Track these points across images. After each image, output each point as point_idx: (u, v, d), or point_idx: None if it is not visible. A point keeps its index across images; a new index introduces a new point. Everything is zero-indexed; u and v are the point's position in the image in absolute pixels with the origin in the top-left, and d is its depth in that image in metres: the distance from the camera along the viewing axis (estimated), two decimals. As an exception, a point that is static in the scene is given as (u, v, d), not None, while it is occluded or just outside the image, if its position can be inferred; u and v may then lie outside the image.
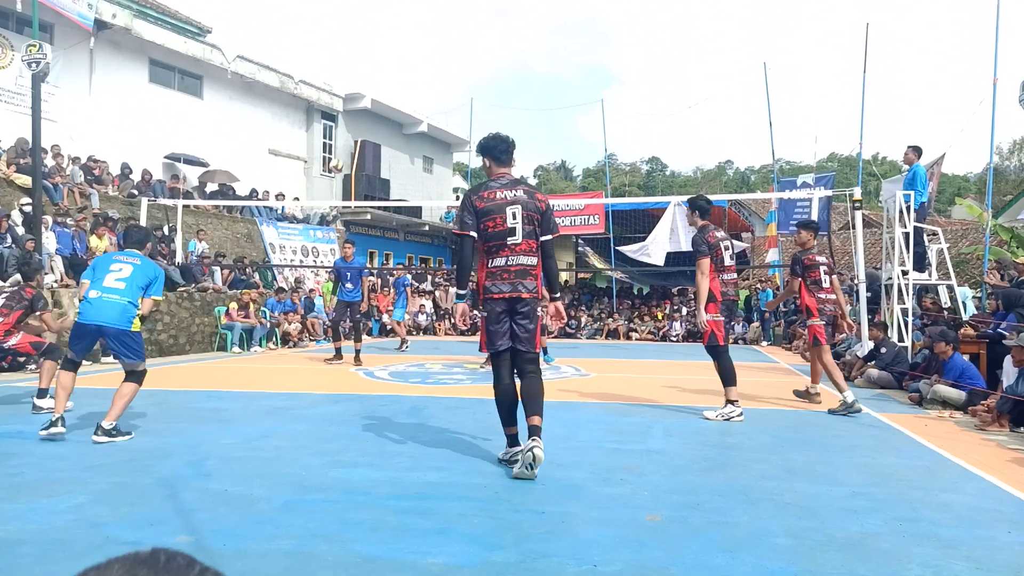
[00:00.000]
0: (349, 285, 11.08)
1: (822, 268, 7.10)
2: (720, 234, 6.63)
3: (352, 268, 11.20)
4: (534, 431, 4.05)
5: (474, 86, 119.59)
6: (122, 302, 5.09)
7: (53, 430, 4.91)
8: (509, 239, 4.18)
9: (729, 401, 6.21)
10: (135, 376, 5.18)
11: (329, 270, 18.83)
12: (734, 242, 6.94)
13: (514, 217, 4.18)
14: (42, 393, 6.26)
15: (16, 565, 2.71)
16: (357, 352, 11.06)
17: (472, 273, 4.34)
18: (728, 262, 6.54)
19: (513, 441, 4.32)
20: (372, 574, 2.67)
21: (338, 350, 11.24)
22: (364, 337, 12.32)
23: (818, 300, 7.00)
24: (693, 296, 21.93)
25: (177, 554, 0.68)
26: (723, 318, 6.32)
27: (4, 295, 6.76)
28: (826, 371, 7.02)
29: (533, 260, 4.26)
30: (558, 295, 4.54)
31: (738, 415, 6.16)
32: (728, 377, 6.23)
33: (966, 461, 4.72)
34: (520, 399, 4.30)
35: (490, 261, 4.23)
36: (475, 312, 4.81)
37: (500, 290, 4.18)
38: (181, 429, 5.46)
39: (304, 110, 23.00)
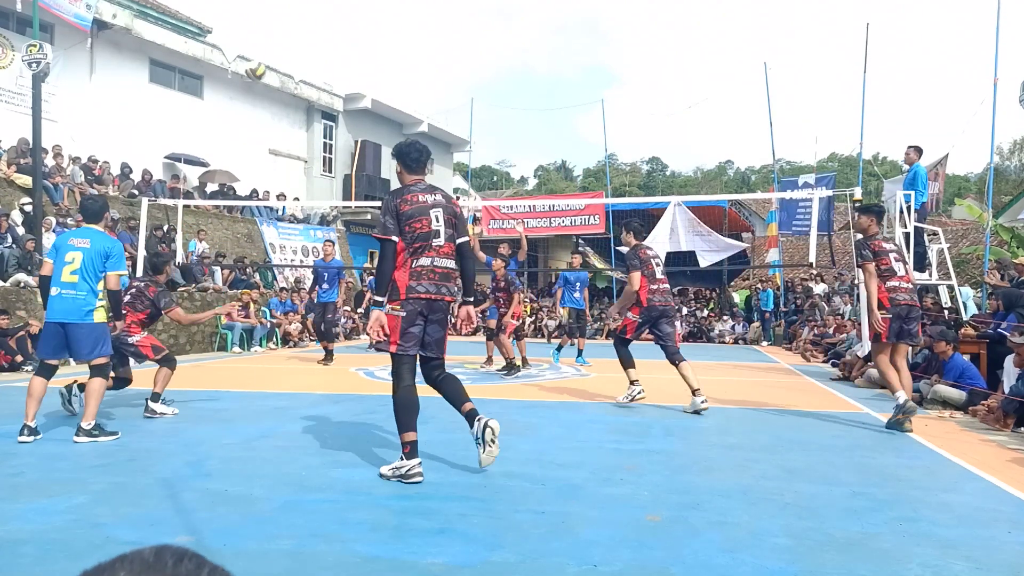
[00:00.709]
0: (325, 285, 11.16)
1: (892, 255, 6.23)
2: (651, 252, 7.22)
3: (330, 268, 11.22)
4: (473, 413, 4.19)
5: (475, 86, 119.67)
6: (79, 296, 4.95)
7: (23, 438, 4.83)
8: (434, 241, 4.19)
9: (632, 383, 6.99)
10: (98, 370, 5.05)
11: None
12: (661, 258, 7.41)
13: (437, 220, 4.21)
14: (155, 397, 6.13)
15: (16, 565, 2.71)
16: (328, 352, 11.14)
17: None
18: (659, 275, 7.07)
19: (413, 451, 4.01)
20: (372, 574, 2.67)
21: (328, 351, 11.23)
22: (365, 337, 12.29)
23: (890, 288, 6.08)
24: (694, 295, 21.88)
25: (184, 555, 0.65)
26: (640, 320, 7.03)
27: (132, 291, 6.44)
28: (892, 375, 6.02)
29: (452, 263, 4.31)
30: (470, 299, 4.54)
31: (639, 393, 6.95)
32: (627, 363, 7.11)
33: (966, 461, 4.71)
34: (445, 398, 4.38)
35: (414, 261, 4.16)
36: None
37: (426, 290, 4.14)
38: (181, 429, 5.46)
39: (304, 110, 23.00)
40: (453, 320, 4.61)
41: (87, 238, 5.07)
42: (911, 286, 6.18)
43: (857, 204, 10.66)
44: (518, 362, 9.98)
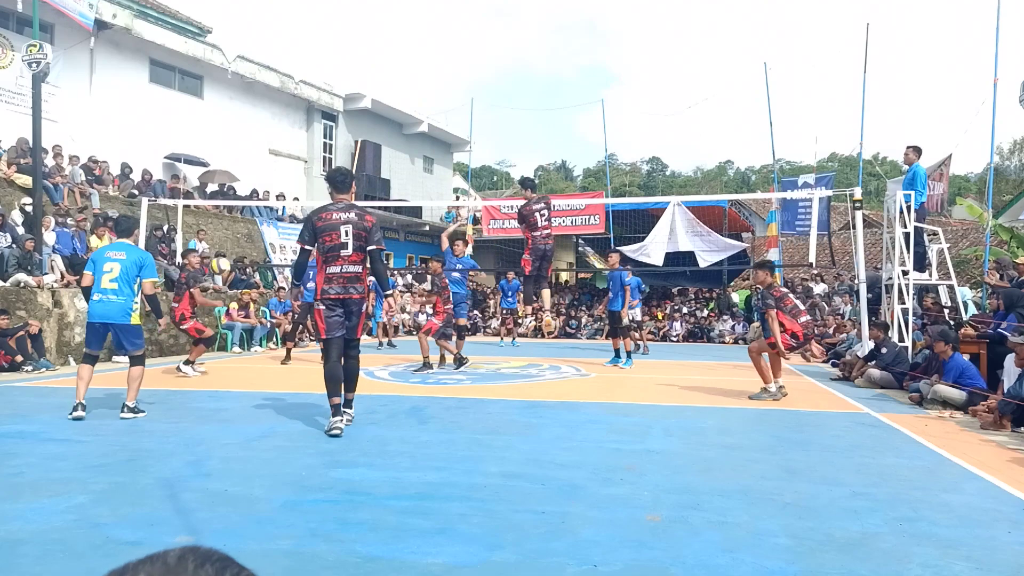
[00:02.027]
0: (311, 284, 11.08)
1: (790, 295, 7.79)
2: (537, 206, 8.69)
3: (313, 268, 11.19)
4: (348, 403, 5.55)
5: (474, 86, 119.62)
6: (119, 300, 5.87)
7: (76, 414, 5.69)
8: (342, 251, 5.31)
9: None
10: (138, 360, 6.04)
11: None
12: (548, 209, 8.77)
13: (347, 234, 5.29)
14: (188, 363, 8.96)
15: (16, 565, 2.71)
16: (288, 351, 11.43)
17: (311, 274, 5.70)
18: (542, 223, 8.63)
19: (336, 411, 5.28)
20: (372, 574, 2.67)
21: (289, 351, 11.52)
22: (364, 336, 12.32)
23: (802, 325, 7.53)
24: (694, 295, 21.89)
25: (208, 558, 0.62)
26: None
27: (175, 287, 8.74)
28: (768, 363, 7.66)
29: (359, 268, 5.41)
30: (389, 292, 5.82)
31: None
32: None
33: (966, 461, 4.71)
34: (343, 376, 5.44)
35: (327, 268, 5.33)
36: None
37: (335, 291, 5.32)
38: (181, 429, 5.46)
39: (304, 110, 23.00)
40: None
41: (123, 251, 5.99)
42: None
43: (857, 204, 10.67)
44: (431, 360, 9.93)
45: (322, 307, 5.33)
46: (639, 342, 13.92)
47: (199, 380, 8.72)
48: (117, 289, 5.85)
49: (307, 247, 5.37)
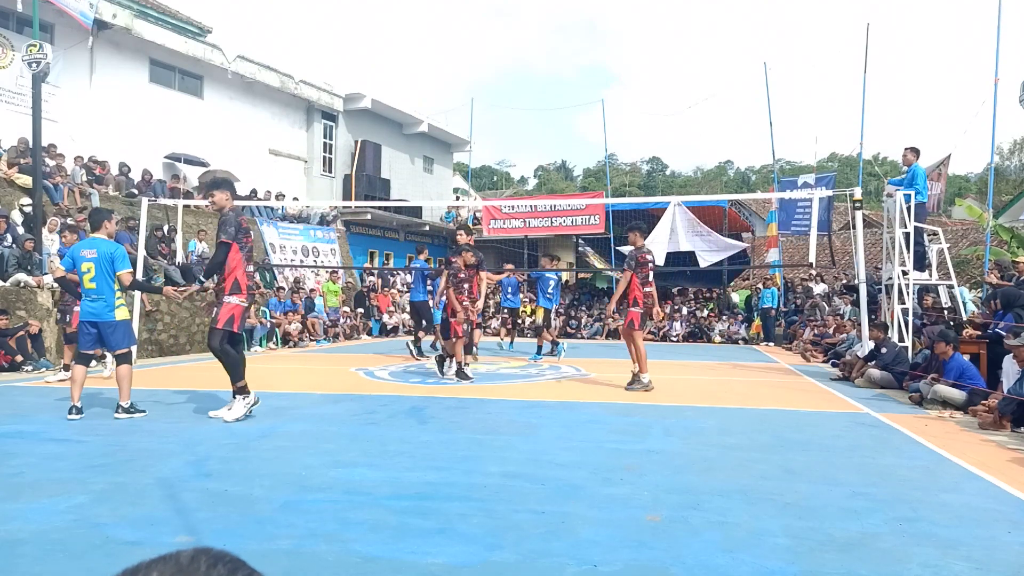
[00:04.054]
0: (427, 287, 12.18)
1: (650, 265, 8.18)
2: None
3: (425, 270, 12.33)
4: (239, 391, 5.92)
5: (474, 86, 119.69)
6: (101, 300, 5.94)
7: (71, 416, 5.75)
8: (252, 253, 5.98)
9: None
10: (123, 358, 6.08)
11: (329, 270, 18.87)
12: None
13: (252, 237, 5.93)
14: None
15: (16, 565, 2.71)
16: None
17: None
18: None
19: (246, 388, 5.86)
20: (372, 574, 2.67)
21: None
22: (364, 336, 12.35)
23: (644, 294, 8.09)
24: (694, 295, 21.85)
25: (220, 559, 0.63)
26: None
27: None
28: (640, 354, 8.10)
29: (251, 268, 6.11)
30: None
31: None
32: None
33: (966, 461, 4.71)
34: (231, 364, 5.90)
35: (247, 266, 5.94)
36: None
37: (248, 288, 5.99)
38: (181, 429, 5.46)
39: (304, 110, 22.99)
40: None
41: (93, 248, 5.98)
42: (652, 292, 8.23)
43: (857, 204, 10.67)
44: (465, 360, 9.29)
45: (245, 303, 5.94)
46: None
47: (199, 380, 8.70)
48: (96, 289, 5.89)
49: (231, 242, 5.80)
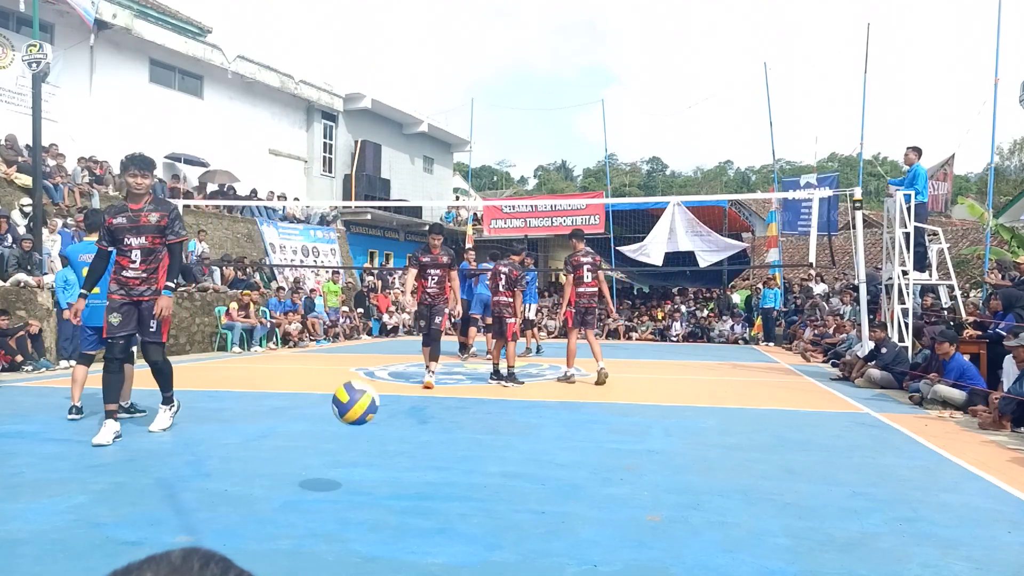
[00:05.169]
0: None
1: (585, 267, 8.67)
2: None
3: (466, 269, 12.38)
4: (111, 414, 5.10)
5: (474, 86, 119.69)
6: (99, 303, 5.77)
7: (71, 416, 5.77)
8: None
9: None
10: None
11: (329, 269, 18.87)
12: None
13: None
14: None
15: (16, 565, 2.71)
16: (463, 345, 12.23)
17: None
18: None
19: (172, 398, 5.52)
20: (372, 574, 2.67)
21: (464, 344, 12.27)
22: (364, 337, 12.36)
23: (578, 294, 8.66)
24: (694, 295, 21.85)
25: (211, 558, 0.64)
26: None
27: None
28: (569, 350, 8.81)
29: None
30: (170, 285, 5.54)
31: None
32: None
33: (966, 461, 4.71)
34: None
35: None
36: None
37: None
38: (181, 429, 5.46)
39: (304, 110, 23.00)
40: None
41: (91, 252, 5.85)
42: (593, 291, 8.70)
43: (857, 204, 10.67)
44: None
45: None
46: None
47: (199, 380, 8.71)
48: (99, 293, 5.76)
49: (108, 249, 5.29)
